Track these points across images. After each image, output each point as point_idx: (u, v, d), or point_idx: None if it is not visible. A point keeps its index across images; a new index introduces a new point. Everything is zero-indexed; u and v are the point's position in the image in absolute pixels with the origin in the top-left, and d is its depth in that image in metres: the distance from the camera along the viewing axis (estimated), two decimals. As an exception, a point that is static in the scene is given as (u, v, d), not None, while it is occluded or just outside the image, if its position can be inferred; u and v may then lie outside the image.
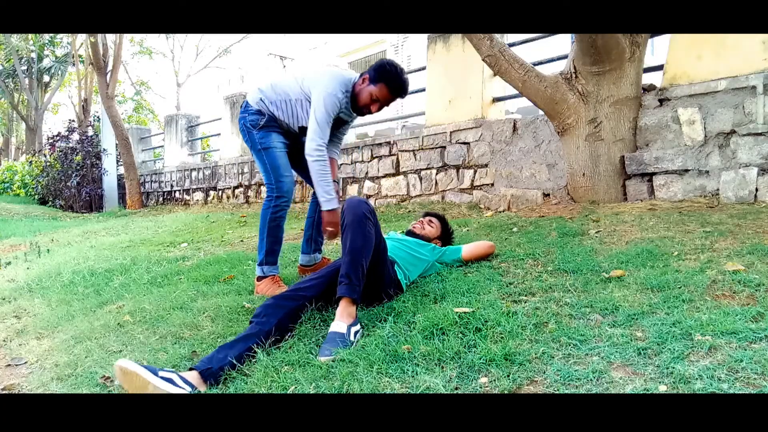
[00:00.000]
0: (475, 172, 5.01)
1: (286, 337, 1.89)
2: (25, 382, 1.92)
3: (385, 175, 5.97)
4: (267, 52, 21.57)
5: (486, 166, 4.91)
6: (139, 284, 3.10)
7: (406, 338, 1.71)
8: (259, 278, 2.61)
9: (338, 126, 2.65)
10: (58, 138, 12.30)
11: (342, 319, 1.82)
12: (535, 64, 4.23)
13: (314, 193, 2.62)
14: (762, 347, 1.36)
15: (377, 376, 1.48)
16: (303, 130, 2.54)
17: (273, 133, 2.56)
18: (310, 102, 2.46)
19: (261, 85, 2.64)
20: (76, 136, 12.25)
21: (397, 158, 5.82)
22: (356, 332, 1.82)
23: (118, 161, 11.78)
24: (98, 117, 12.80)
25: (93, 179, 11.55)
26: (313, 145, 2.36)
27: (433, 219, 2.76)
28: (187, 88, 23.31)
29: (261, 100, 2.57)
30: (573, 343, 1.56)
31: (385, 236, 2.36)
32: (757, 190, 3.23)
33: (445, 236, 2.78)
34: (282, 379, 1.56)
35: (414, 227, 2.69)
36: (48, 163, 12.03)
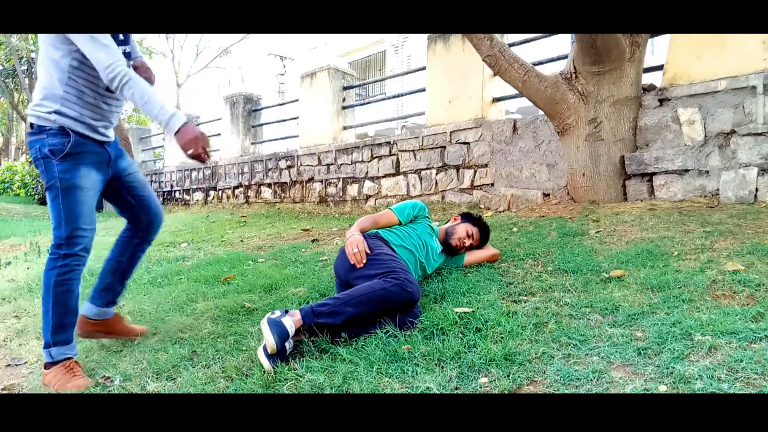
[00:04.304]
0: (475, 172, 5.01)
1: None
2: (25, 382, 1.92)
3: (385, 175, 5.97)
4: (267, 52, 21.61)
5: (486, 166, 4.91)
6: (139, 284, 3.10)
7: (406, 338, 1.71)
8: (47, 365, 1.82)
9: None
10: (58, 138, 12.27)
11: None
12: (535, 64, 4.24)
13: (119, 237, 2.18)
14: (762, 347, 1.36)
15: (377, 376, 1.48)
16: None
17: (82, 166, 1.83)
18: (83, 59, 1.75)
19: (53, 89, 1.79)
20: (76, 136, 12.22)
21: (397, 158, 5.82)
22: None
23: (118, 161, 11.74)
24: (98, 117, 12.76)
25: (93, 179, 11.52)
26: (109, 70, 1.70)
27: (475, 233, 2.53)
28: (187, 88, 23.27)
29: (57, 111, 1.78)
30: (573, 343, 1.56)
31: (401, 233, 2.29)
32: (757, 190, 3.23)
33: (480, 246, 2.59)
34: (282, 380, 1.56)
35: (454, 241, 2.47)
36: (48, 163, 12.00)
